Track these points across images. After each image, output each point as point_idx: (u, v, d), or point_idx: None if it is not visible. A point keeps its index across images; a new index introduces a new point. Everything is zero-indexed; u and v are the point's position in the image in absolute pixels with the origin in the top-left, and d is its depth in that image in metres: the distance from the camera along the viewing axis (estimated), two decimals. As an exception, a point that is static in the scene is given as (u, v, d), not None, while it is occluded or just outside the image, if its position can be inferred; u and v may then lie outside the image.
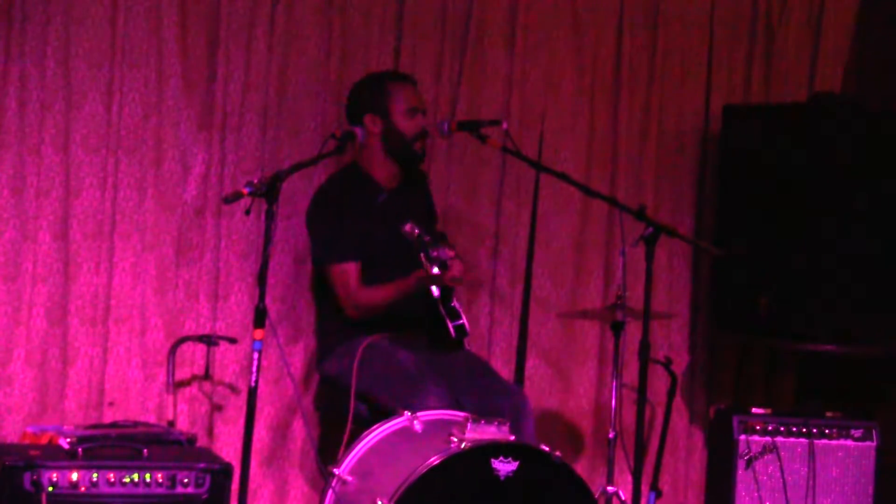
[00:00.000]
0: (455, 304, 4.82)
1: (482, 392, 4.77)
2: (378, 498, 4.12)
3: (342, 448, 4.45)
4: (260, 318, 4.13)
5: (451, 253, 4.63)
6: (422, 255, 4.54)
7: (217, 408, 5.13)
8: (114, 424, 4.72)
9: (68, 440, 4.22)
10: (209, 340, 4.99)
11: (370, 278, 4.79)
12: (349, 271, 4.79)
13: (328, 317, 4.94)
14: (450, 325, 4.75)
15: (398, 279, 4.69)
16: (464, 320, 4.80)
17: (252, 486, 4.83)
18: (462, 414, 4.41)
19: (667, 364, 4.91)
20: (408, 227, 4.56)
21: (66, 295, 4.95)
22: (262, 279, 4.14)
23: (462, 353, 4.89)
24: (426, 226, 4.94)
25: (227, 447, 5.07)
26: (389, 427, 4.43)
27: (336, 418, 4.85)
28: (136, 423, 4.73)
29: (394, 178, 4.97)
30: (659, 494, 4.80)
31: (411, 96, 4.93)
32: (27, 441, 4.53)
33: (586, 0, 5.52)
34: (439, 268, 4.55)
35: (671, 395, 5.00)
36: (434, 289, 4.70)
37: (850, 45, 5.73)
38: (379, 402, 4.64)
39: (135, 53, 5.00)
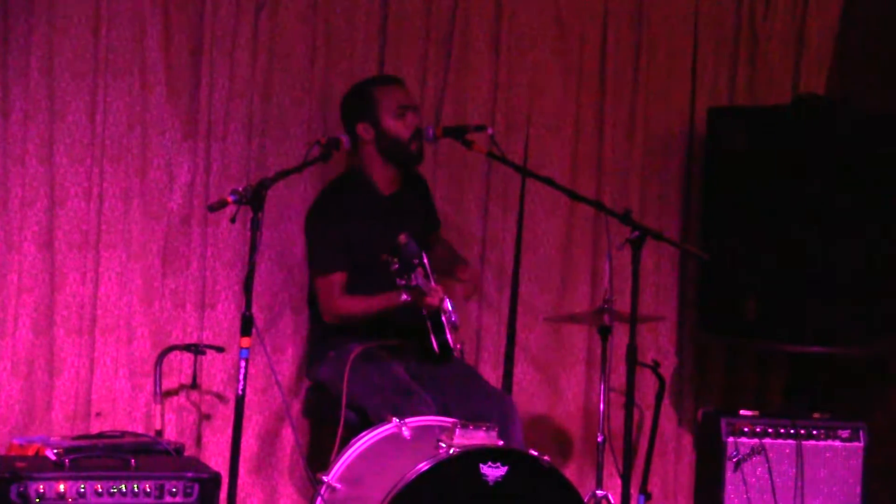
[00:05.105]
0: (446, 318, 4.78)
1: (470, 398, 4.76)
2: (367, 505, 4.12)
3: (333, 454, 4.44)
4: (247, 326, 4.13)
5: (432, 282, 4.60)
6: (401, 279, 4.43)
7: (205, 417, 5.12)
8: (101, 435, 4.70)
9: (55, 451, 4.21)
10: (196, 349, 4.97)
11: (366, 283, 4.78)
12: (333, 282, 4.79)
13: (321, 322, 4.93)
14: (433, 341, 4.74)
15: (379, 294, 4.67)
16: (448, 337, 4.77)
17: (241, 494, 4.82)
18: (450, 420, 4.40)
19: (654, 367, 4.91)
20: (402, 237, 4.55)
21: (51, 305, 4.94)
22: (248, 287, 4.14)
23: (451, 362, 4.88)
24: (425, 231, 4.94)
25: (216, 456, 5.05)
26: (378, 434, 4.42)
27: (324, 426, 4.84)
28: (123, 434, 4.72)
29: (393, 181, 4.96)
30: (648, 497, 4.80)
31: (399, 96, 4.92)
32: (14, 452, 4.51)
33: (570, 3, 5.52)
34: (415, 293, 4.48)
35: (659, 398, 5.00)
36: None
37: (833, 48, 5.74)
38: (368, 410, 4.63)
39: (118, 63, 4.98)
